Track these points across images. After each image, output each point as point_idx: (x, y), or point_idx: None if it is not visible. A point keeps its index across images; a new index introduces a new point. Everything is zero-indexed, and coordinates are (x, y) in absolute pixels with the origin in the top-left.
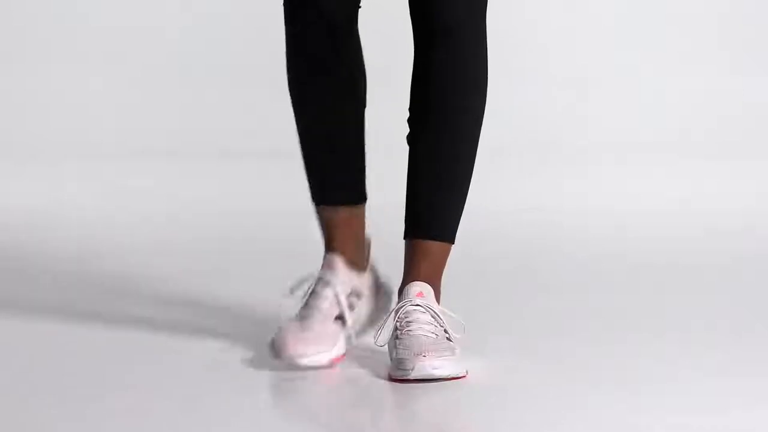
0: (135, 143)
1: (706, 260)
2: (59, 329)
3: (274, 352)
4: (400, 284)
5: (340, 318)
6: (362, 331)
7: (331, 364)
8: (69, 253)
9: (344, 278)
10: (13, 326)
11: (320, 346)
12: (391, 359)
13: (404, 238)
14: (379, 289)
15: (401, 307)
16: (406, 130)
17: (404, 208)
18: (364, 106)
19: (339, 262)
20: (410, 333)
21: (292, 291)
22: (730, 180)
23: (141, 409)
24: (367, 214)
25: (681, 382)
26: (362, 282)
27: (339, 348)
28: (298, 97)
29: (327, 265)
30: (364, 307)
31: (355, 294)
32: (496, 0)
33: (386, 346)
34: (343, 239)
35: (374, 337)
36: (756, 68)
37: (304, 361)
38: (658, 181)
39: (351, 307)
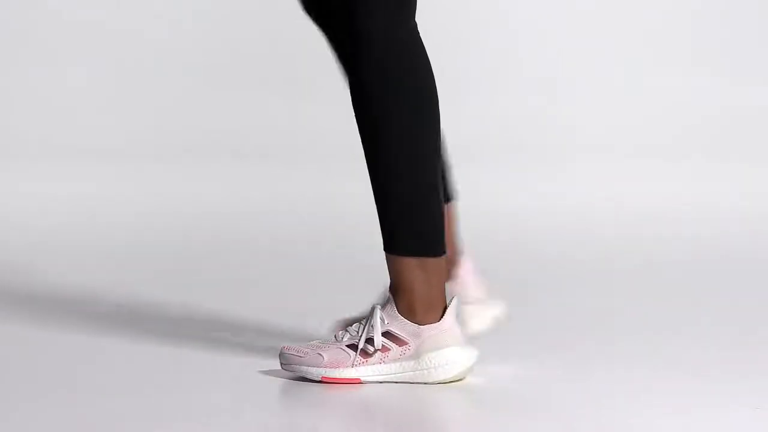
0: (119, 143)
1: (704, 259)
2: (54, 330)
3: None
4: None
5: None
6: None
7: None
8: (53, 255)
9: None
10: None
11: None
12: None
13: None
14: None
15: None
16: None
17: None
18: None
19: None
20: None
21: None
22: (724, 182)
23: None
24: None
25: (680, 382)
26: None
27: None
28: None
29: None
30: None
31: None
32: (471, 4)
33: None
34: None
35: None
36: (735, 70)
37: None
38: (644, 182)
39: None
